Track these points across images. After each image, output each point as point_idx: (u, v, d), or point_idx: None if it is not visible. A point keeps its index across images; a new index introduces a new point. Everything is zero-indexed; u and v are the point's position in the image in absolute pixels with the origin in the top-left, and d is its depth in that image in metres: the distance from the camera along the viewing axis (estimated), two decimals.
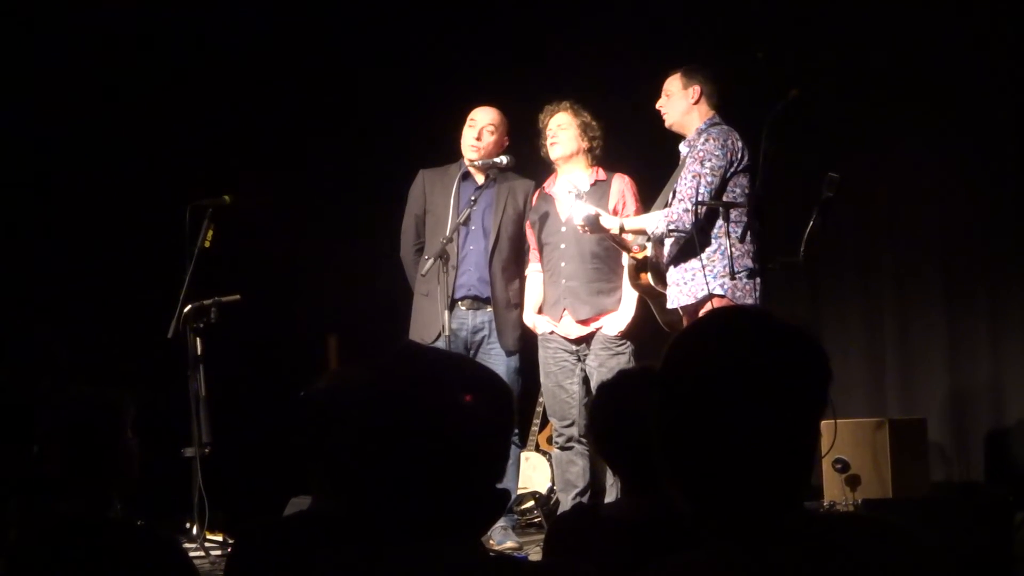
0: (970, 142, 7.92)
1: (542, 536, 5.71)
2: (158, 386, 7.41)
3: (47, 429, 3.24)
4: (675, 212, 6.12)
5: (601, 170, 6.81)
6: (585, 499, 6.68)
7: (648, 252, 6.41)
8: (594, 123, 6.77)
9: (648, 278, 6.40)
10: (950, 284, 8.13)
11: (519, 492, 7.65)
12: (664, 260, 6.32)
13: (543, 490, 7.93)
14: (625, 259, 6.53)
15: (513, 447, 6.80)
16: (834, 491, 7.04)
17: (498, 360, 6.81)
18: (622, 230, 6.33)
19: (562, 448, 6.76)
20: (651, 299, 6.51)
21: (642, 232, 6.33)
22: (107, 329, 7.89)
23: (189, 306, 7.03)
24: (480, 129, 6.93)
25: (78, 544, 2.99)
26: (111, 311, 8.00)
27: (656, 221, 6.21)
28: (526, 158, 6.95)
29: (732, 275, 5.99)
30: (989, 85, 7.87)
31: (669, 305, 6.28)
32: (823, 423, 6.16)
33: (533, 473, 8.02)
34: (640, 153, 7.12)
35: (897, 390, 8.22)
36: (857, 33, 8.09)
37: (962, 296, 8.08)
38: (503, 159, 6.84)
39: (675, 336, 2.00)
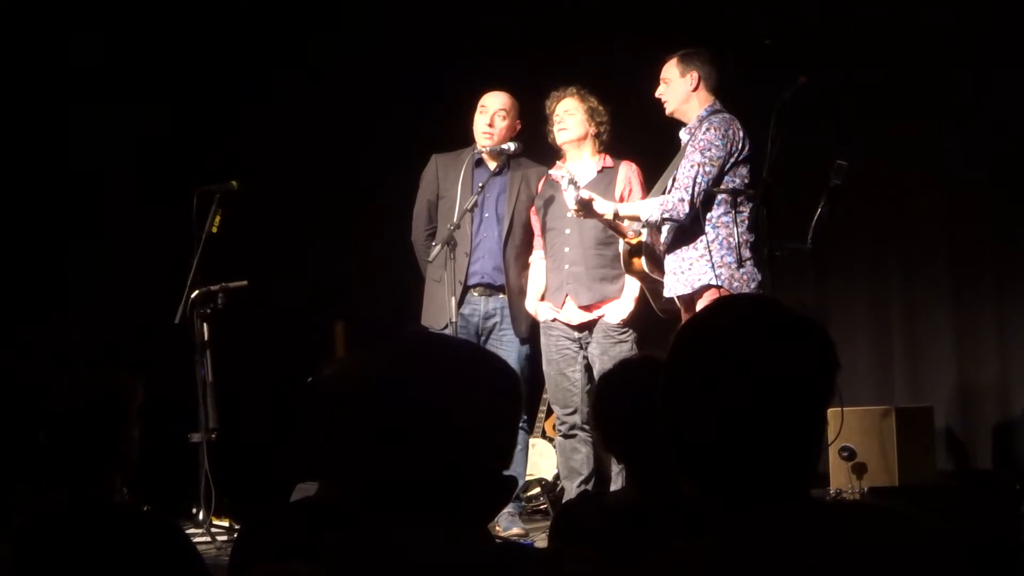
0: (980, 130, 7.90)
1: (548, 523, 5.71)
2: (165, 372, 7.43)
3: (53, 413, 3.23)
4: (670, 201, 6.11)
5: (608, 157, 6.81)
6: (589, 487, 6.69)
7: (643, 238, 6.40)
8: (601, 108, 6.75)
9: (641, 263, 6.39)
10: (958, 272, 8.12)
11: (526, 479, 7.65)
12: (661, 247, 6.31)
13: (549, 477, 7.93)
14: (621, 244, 6.53)
15: (521, 433, 6.82)
16: (841, 479, 7.04)
17: (510, 347, 6.82)
18: (616, 215, 6.31)
19: (565, 436, 6.77)
20: (645, 284, 6.51)
21: (636, 218, 6.32)
22: (115, 314, 7.89)
23: (196, 292, 7.03)
24: (492, 115, 6.92)
25: (82, 529, 3.00)
26: (119, 296, 8.00)
27: (651, 208, 6.20)
28: (538, 142, 6.95)
29: (739, 264, 5.99)
30: (1003, 73, 7.84)
31: (666, 294, 6.28)
32: (830, 411, 6.17)
33: (539, 460, 8.02)
34: (644, 139, 7.11)
35: (904, 378, 8.21)
36: (866, 19, 8.06)
37: (970, 284, 8.07)
38: (511, 145, 6.83)
39: (682, 325, 2.00)
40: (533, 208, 6.91)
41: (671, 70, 6.33)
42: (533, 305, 6.86)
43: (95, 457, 3.20)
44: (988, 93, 7.87)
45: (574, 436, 6.72)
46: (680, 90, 6.30)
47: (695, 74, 6.27)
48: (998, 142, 7.88)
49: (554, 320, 6.76)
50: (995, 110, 7.86)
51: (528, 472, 7.64)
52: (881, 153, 8.04)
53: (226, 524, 6.91)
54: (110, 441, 3.22)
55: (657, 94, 6.37)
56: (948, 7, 7.91)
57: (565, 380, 6.74)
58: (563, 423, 6.78)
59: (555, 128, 6.76)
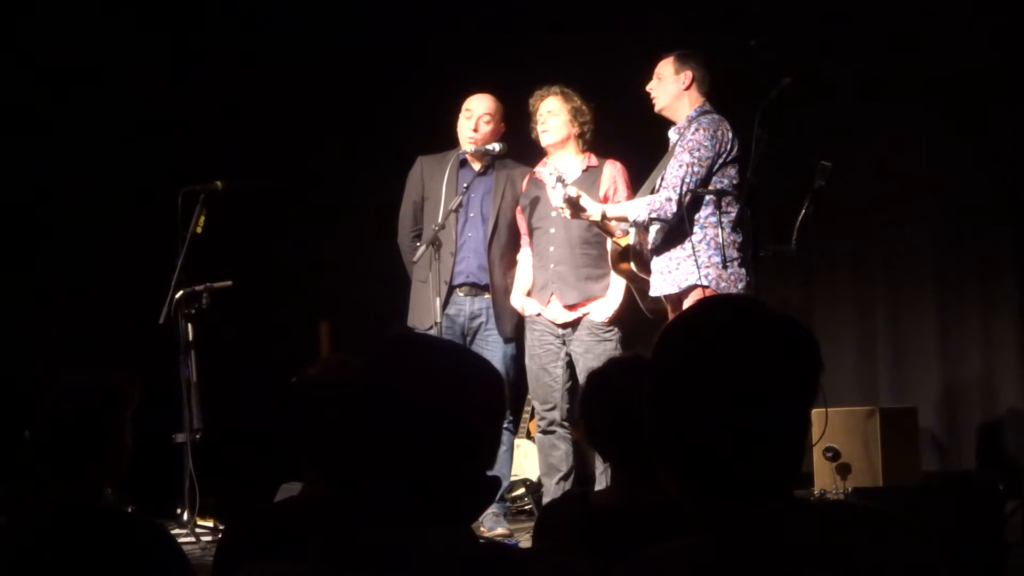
0: (963, 131, 7.92)
1: (532, 523, 5.72)
2: (149, 372, 7.40)
3: (46, 414, 3.21)
4: (658, 201, 6.12)
5: (593, 156, 6.81)
6: (568, 483, 6.71)
7: (631, 239, 6.41)
8: (584, 108, 6.75)
9: (631, 266, 6.41)
10: (942, 272, 8.13)
11: (510, 479, 7.65)
12: (648, 247, 6.32)
13: (534, 478, 7.93)
14: (608, 244, 6.54)
15: (506, 433, 6.83)
16: (825, 479, 7.05)
17: (495, 347, 6.83)
18: (604, 216, 6.33)
19: (544, 432, 6.78)
20: (633, 284, 6.52)
21: (624, 219, 6.33)
22: (99, 314, 7.88)
23: (181, 292, 7.02)
24: (476, 119, 6.93)
25: (67, 531, 2.99)
26: (103, 296, 7.99)
27: (639, 209, 6.21)
28: (522, 141, 6.96)
29: (724, 264, 6.00)
30: (983, 72, 7.86)
31: (652, 293, 6.29)
32: (814, 411, 6.17)
33: (524, 460, 8.01)
34: (631, 138, 7.11)
35: (888, 379, 8.22)
36: (850, 20, 8.08)
37: (954, 285, 8.09)
38: (496, 146, 6.84)
39: (666, 325, 2.01)
40: (519, 208, 6.92)
41: (666, 67, 6.34)
42: (519, 300, 6.86)
43: (86, 460, 3.18)
44: (972, 93, 7.88)
45: (553, 432, 6.74)
46: (671, 88, 6.32)
47: (689, 74, 6.28)
48: (981, 141, 7.90)
49: (539, 315, 6.77)
50: (979, 109, 7.88)
51: (513, 473, 7.64)
52: (865, 154, 8.05)
53: (210, 524, 6.91)
54: (103, 445, 3.21)
55: (648, 88, 6.38)
56: (932, 6, 7.93)
57: (546, 376, 6.75)
58: (542, 419, 6.79)
59: (538, 128, 6.77)
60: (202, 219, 7.11)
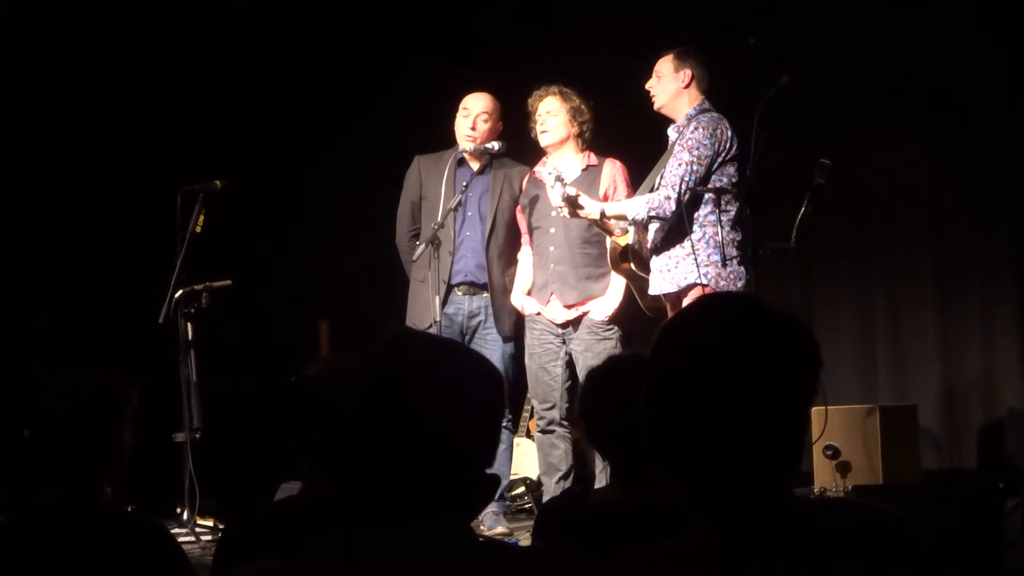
0: (963, 129, 7.92)
1: (532, 522, 5.72)
2: (149, 371, 7.41)
3: (45, 413, 3.21)
4: (657, 199, 6.12)
5: (592, 155, 6.81)
6: (568, 482, 6.71)
7: (630, 238, 6.41)
8: (584, 107, 6.75)
9: (630, 265, 6.41)
10: (942, 270, 8.13)
11: (510, 478, 7.65)
12: (647, 246, 6.32)
13: (534, 476, 7.93)
14: (608, 243, 6.54)
15: (506, 432, 6.84)
16: (825, 477, 7.05)
17: (494, 346, 6.83)
18: (603, 215, 6.32)
19: (543, 431, 6.78)
20: (632, 283, 6.52)
21: (623, 217, 6.33)
22: (98, 314, 7.88)
23: (180, 291, 7.03)
24: (474, 118, 6.92)
25: (67, 531, 2.99)
26: (102, 296, 7.99)
27: (637, 207, 6.21)
28: (522, 141, 6.95)
29: (724, 262, 6.00)
30: (982, 72, 7.86)
31: (651, 292, 6.29)
32: (814, 409, 6.17)
33: (524, 459, 8.01)
34: (630, 136, 7.11)
35: (888, 377, 8.23)
36: (849, 19, 8.08)
37: (954, 283, 8.09)
38: (495, 145, 6.84)
39: (665, 322, 2.00)
40: (519, 207, 6.92)
41: (665, 65, 6.34)
42: (519, 299, 6.86)
43: (86, 459, 3.18)
44: (971, 91, 7.88)
45: (552, 432, 6.74)
46: (671, 86, 6.32)
47: (688, 72, 6.28)
48: (982, 142, 7.90)
49: (538, 314, 6.77)
50: (977, 108, 7.88)
51: (513, 471, 7.64)
52: (864, 151, 8.05)
53: (210, 524, 6.91)
54: (103, 444, 3.21)
55: (647, 86, 6.38)
56: (932, 4, 7.94)
57: (545, 375, 6.75)
58: (541, 418, 6.80)
59: (537, 128, 6.77)
60: (201, 218, 7.12)
